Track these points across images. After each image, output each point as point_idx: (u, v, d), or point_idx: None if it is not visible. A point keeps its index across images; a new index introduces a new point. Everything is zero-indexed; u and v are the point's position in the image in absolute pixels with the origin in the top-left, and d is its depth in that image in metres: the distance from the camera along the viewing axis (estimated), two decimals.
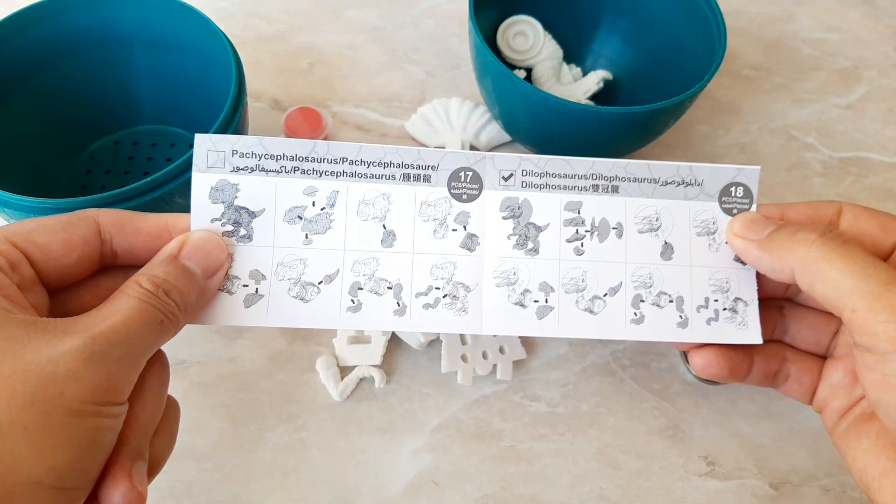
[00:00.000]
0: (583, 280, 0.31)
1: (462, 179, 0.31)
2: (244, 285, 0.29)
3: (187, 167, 0.35)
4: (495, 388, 0.41)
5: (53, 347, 0.22)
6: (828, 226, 0.28)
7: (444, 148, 0.49)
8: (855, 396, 0.30)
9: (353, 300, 0.29)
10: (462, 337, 0.40)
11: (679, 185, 0.32)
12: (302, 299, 0.29)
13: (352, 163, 0.30)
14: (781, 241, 0.29)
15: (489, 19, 0.49)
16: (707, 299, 0.31)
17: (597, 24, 0.52)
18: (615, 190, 0.32)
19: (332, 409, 0.40)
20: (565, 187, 0.31)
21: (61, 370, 0.21)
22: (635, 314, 0.31)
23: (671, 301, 0.31)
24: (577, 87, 0.51)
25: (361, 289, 0.30)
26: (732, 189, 0.32)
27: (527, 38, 0.50)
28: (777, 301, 0.33)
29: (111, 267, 0.28)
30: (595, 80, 0.51)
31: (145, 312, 0.24)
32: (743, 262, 0.31)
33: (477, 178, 0.31)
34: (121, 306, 0.24)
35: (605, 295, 0.31)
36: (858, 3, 0.63)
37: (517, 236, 0.31)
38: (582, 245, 0.31)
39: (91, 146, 0.47)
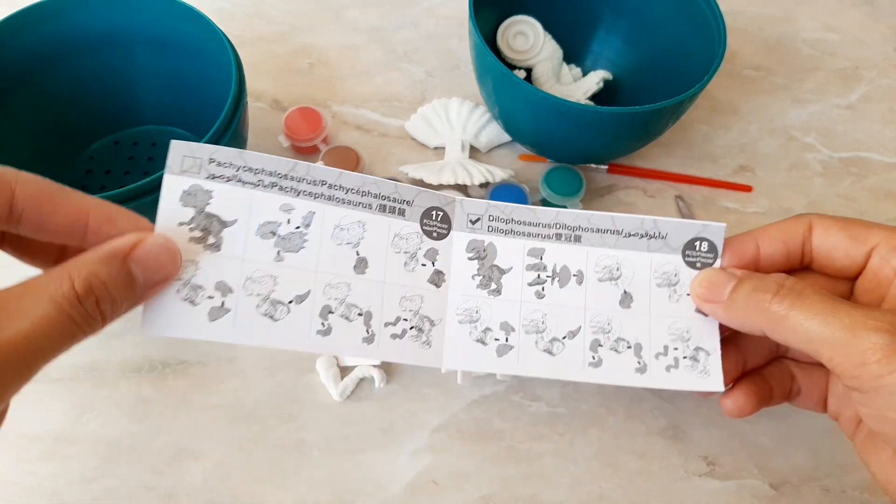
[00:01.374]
0: (542, 322, 0.32)
1: (433, 218, 0.32)
2: (209, 297, 0.28)
3: None
4: (495, 388, 0.41)
5: None
6: (780, 278, 0.28)
7: (443, 148, 0.49)
8: None
9: (323, 323, 0.29)
10: None
11: (642, 237, 0.33)
12: (271, 317, 0.29)
13: (330, 186, 0.30)
14: (742, 304, 0.29)
15: (489, 19, 0.49)
16: (666, 347, 0.32)
17: (596, 24, 0.52)
18: (577, 239, 0.33)
19: (332, 409, 0.40)
20: (529, 234, 0.32)
21: None
22: (593, 357, 0.32)
23: (629, 347, 0.32)
24: (577, 87, 0.51)
25: (332, 312, 0.29)
26: (697, 243, 0.32)
27: (527, 38, 0.50)
28: None
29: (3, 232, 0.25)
30: (595, 80, 0.51)
31: (60, 325, 0.21)
32: (705, 314, 0.32)
33: (447, 219, 0.32)
34: (34, 311, 0.21)
35: (564, 338, 0.32)
36: (858, 3, 0.63)
37: (481, 276, 0.32)
38: (543, 289, 0.32)
39: (91, 146, 0.47)
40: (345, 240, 0.30)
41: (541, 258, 0.32)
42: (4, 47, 0.40)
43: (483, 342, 0.31)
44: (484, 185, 0.46)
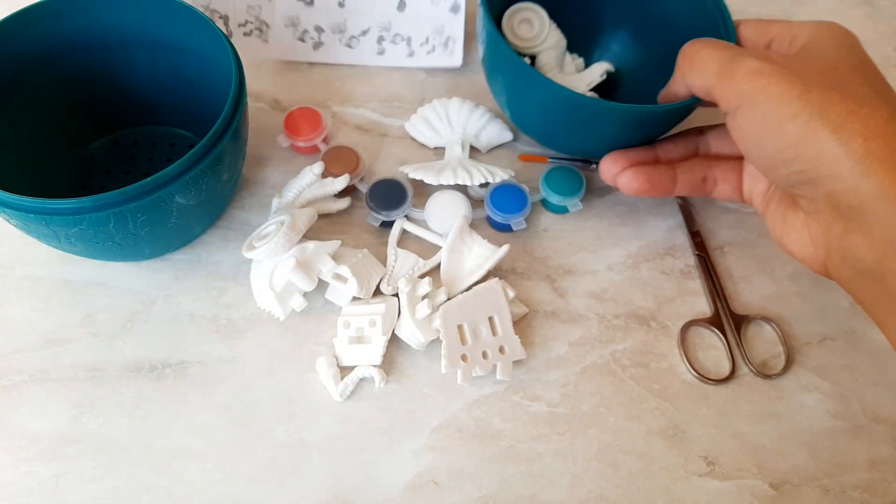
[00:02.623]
0: (345, 24, 0.51)
1: None
2: None
3: (187, 167, 0.35)
4: (495, 388, 0.41)
5: None
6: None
7: (443, 148, 0.49)
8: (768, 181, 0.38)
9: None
10: (462, 337, 0.40)
11: None
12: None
13: None
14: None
15: (495, 7, 0.48)
16: (428, 38, 0.48)
17: (602, 15, 0.52)
18: None
19: (332, 409, 0.40)
20: None
21: None
22: (379, 48, 0.52)
23: (403, 40, 0.49)
24: (581, 77, 0.51)
25: None
26: None
27: (532, 25, 0.50)
28: (697, 127, 0.43)
29: None
30: (598, 71, 0.51)
31: None
32: (454, 12, 0.47)
33: None
34: None
35: (360, 35, 0.51)
36: (858, 3, 0.63)
37: None
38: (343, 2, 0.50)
39: (91, 146, 0.47)
40: None
41: None
42: (4, 47, 0.40)
43: (303, 40, 0.46)
44: (484, 185, 0.46)
